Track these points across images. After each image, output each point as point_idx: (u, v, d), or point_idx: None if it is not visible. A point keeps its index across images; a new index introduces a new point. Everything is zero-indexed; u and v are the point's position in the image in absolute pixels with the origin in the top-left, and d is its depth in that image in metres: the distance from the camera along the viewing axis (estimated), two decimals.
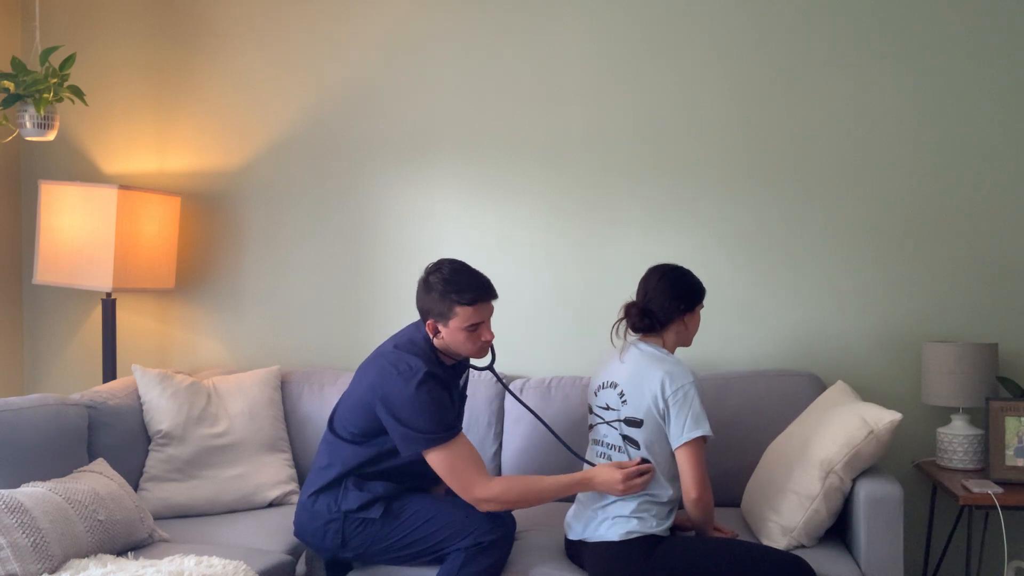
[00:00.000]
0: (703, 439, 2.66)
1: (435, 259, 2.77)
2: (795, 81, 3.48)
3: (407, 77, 3.74)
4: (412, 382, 2.60)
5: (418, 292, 2.71)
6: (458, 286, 2.64)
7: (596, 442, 2.82)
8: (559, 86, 3.63)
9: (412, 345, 2.72)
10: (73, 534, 2.63)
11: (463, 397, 2.90)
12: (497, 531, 2.66)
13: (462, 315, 2.64)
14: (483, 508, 2.63)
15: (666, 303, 2.77)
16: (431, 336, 2.71)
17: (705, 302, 2.88)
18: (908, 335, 3.40)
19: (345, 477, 2.73)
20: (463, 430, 2.71)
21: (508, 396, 3.39)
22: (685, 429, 2.64)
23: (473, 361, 2.90)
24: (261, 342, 3.86)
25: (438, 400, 2.62)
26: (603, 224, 3.59)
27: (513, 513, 3.03)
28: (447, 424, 2.61)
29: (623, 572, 2.62)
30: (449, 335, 2.67)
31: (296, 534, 2.86)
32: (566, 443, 2.87)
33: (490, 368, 2.86)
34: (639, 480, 2.64)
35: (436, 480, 2.79)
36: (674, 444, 2.66)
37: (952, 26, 3.38)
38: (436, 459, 2.62)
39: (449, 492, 2.81)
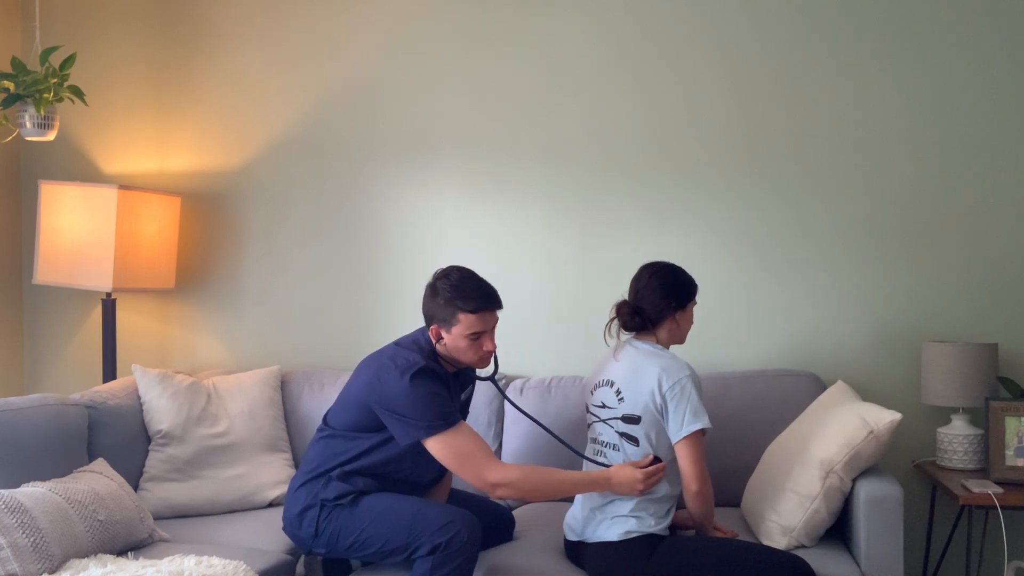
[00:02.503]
0: (702, 432, 2.65)
1: (435, 259, 2.77)
2: (795, 81, 3.48)
3: (407, 77, 3.74)
4: (408, 374, 2.59)
5: (425, 296, 2.71)
6: (464, 293, 2.63)
7: (593, 440, 2.83)
8: (559, 86, 3.63)
9: (414, 344, 2.72)
10: (73, 534, 2.63)
11: (466, 412, 2.89)
12: (449, 531, 2.50)
13: (465, 322, 2.63)
14: (497, 494, 2.57)
15: (657, 301, 2.76)
16: (434, 341, 2.71)
17: (706, 302, 2.88)
18: (908, 335, 3.40)
19: (333, 469, 2.70)
20: None
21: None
22: (684, 423, 2.63)
23: (476, 371, 2.90)
24: (261, 342, 3.86)
25: (434, 391, 2.60)
26: (603, 224, 3.59)
27: (513, 514, 3.04)
28: (445, 413, 2.59)
29: (623, 572, 2.61)
30: (451, 342, 2.66)
31: (284, 529, 2.82)
32: (573, 447, 2.85)
33: (491, 379, 2.86)
34: (656, 478, 2.64)
35: (428, 487, 2.78)
36: (673, 439, 2.66)
37: (952, 26, 3.38)
38: (439, 448, 2.58)
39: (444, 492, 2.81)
